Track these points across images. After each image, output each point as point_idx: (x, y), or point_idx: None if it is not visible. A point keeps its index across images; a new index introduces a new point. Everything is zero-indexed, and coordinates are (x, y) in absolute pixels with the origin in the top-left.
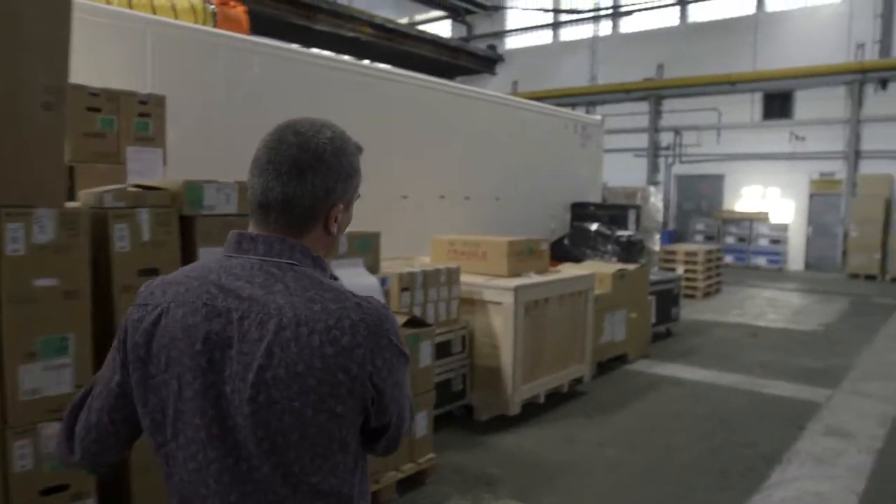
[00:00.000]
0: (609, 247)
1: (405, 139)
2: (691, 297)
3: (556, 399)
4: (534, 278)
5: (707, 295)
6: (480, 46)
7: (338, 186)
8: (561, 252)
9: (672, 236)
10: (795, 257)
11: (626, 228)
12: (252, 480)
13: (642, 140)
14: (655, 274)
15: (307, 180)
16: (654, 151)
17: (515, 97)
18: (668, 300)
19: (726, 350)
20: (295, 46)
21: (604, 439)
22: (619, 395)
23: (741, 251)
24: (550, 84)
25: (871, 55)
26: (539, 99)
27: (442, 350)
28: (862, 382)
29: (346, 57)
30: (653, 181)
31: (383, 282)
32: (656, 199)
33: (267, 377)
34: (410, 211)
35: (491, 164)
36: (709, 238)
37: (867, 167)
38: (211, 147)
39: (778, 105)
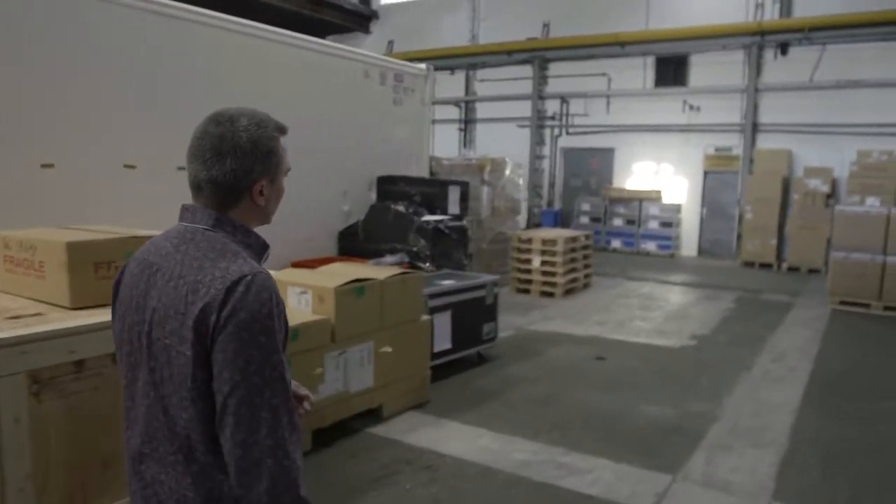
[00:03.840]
0: (410, 236)
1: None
2: (549, 295)
3: None
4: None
5: (570, 292)
6: (352, 0)
7: (256, 167)
8: (354, 245)
9: (556, 218)
10: (689, 242)
11: (445, 211)
12: (146, 405)
13: (526, 108)
14: (461, 277)
15: (227, 164)
16: (539, 122)
17: (275, 28)
18: (478, 314)
19: (547, 388)
20: None
21: None
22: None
23: (629, 235)
24: (429, 44)
25: (770, 15)
26: (416, 60)
27: None
28: (723, 454)
29: None
30: (537, 154)
31: None
32: (514, 174)
33: (155, 318)
34: (62, 189)
35: None
36: (595, 220)
37: (765, 141)
38: None
39: (672, 71)
